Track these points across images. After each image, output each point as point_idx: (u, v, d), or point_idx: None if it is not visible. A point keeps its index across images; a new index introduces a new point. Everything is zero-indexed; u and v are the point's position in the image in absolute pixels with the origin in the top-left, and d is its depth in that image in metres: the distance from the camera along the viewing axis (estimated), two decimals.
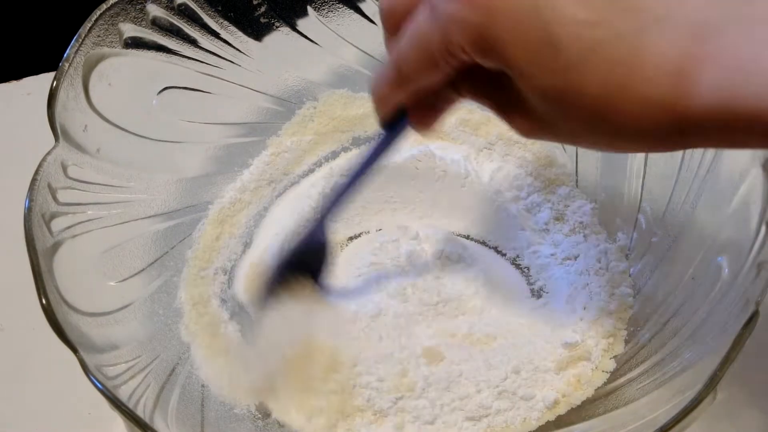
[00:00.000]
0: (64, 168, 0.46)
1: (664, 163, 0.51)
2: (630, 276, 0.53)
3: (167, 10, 0.53)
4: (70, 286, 0.42)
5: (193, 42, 0.55)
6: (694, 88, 0.29)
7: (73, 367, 0.38)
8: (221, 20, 0.56)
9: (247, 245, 0.57)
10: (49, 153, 0.45)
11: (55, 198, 0.44)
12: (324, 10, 0.58)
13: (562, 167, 0.59)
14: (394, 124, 0.41)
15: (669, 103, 0.29)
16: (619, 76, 0.30)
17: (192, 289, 0.53)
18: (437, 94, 0.39)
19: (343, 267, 0.57)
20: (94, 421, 0.50)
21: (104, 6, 0.50)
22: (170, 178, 0.55)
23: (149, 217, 0.53)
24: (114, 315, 0.46)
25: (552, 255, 0.55)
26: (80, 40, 0.48)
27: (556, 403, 0.47)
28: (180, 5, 0.53)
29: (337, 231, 0.59)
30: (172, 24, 0.53)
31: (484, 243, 0.58)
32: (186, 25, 0.54)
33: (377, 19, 0.59)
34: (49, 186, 0.44)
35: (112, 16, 0.50)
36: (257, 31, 0.58)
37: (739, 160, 0.44)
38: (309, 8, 0.58)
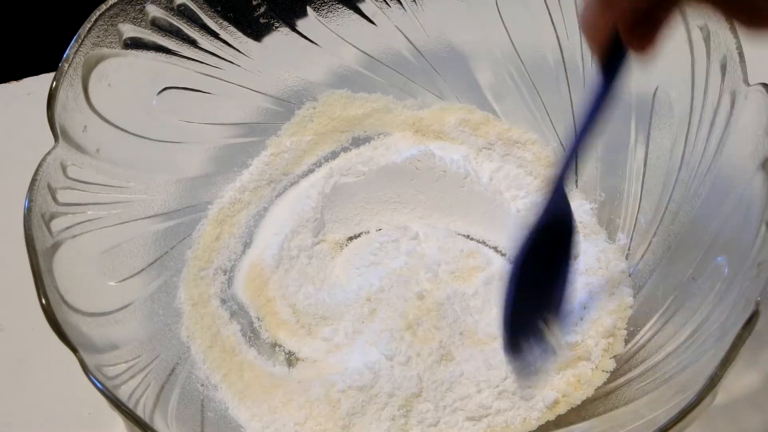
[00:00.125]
0: (64, 168, 0.46)
1: (664, 163, 0.51)
2: (630, 276, 0.53)
3: (167, 11, 0.53)
4: (70, 286, 0.42)
5: (192, 42, 0.55)
6: None
7: (73, 367, 0.38)
8: (221, 21, 0.56)
9: (246, 245, 0.58)
10: (48, 153, 0.45)
11: (54, 198, 0.44)
12: (323, 10, 0.58)
13: None
14: (612, 55, 0.37)
15: None
16: None
17: (192, 289, 0.53)
18: (650, 8, 0.35)
19: (343, 267, 0.57)
20: (94, 421, 0.50)
21: (104, 6, 0.49)
22: (170, 178, 0.55)
23: (149, 217, 0.53)
24: (114, 315, 0.46)
25: None
26: (80, 41, 0.48)
27: (556, 403, 0.47)
28: (179, 6, 0.53)
29: (337, 231, 0.59)
30: (171, 24, 0.53)
31: (484, 243, 0.58)
32: (185, 25, 0.54)
33: (377, 19, 0.59)
34: (49, 186, 0.44)
35: (111, 17, 0.50)
36: (257, 32, 0.58)
37: (739, 160, 0.44)
38: (308, 8, 0.58)
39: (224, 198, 0.58)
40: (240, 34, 0.57)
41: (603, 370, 0.49)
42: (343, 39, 0.59)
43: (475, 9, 0.58)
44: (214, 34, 0.56)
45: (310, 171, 0.61)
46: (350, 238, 0.59)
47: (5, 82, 0.68)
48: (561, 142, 0.59)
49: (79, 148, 0.47)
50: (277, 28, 0.58)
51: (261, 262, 0.55)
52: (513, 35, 0.58)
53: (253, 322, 0.54)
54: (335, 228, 0.59)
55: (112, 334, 0.45)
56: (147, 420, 0.38)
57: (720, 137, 0.45)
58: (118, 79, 0.51)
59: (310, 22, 0.58)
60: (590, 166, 0.58)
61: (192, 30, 0.55)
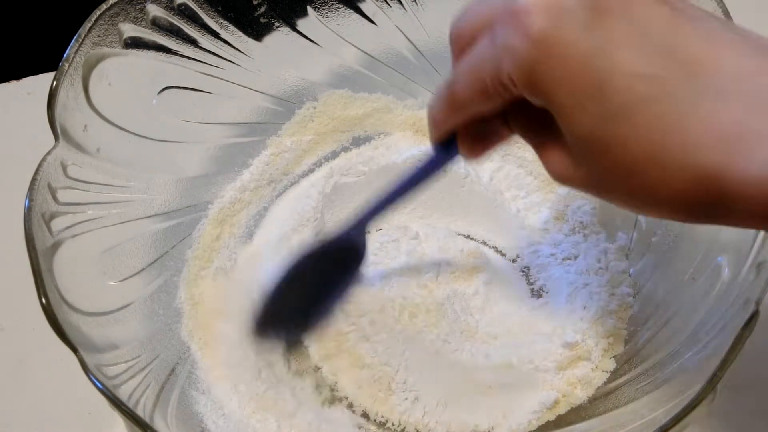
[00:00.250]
0: (64, 168, 0.46)
1: None
2: (630, 276, 0.53)
3: (167, 10, 0.53)
4: (70, 286, 0.42)
5: (193, 42, 0.55)
6: (743, 162, 0.27)
7: (73, 367, 0.38)
8: (221, 20, 0.56)
9: (247, 245, 0.57)
10: (49, 153, 0.45)
11: (55, 198, 0.44)
12: (324, 10, 0.58)
13: None
14: (444, 147, 0.40)
15: (712, 172, 0.28)
16: (664, 136, 0.28)
17: (192, 289, 0.53)
18: (489, 126, 0.38)
19: None
20: (94, 421, 0.50)
21: (104, 6, 0.49)
22: (170, 178, 0.55)
23: (149, 216, 0.53)
24: (114, 315, 0.46)
25: (552, 255, 0.56)
26: (80, 40, 0.48)
27: (556, 403, 0.47)
28: (180, 5, 0.53)
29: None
30: (172, 24, 0.53)
31: (484, 243, 0.58)
32: (186, 25, 0.54)
33: (377, 19, 0.59)
34: (49, 186, 0.44)
35: (112, 16, 0.50)
36: (257, 31, 0.58)
37: None
38: (309, 8, 0.58)
39: (224, 198, 0.58)
40: (240, 33, 0.57)
41: (603, 370, 0.49)
42: (343, 39, 0.59)
43: None
44: (215, 34, 0.56)
45: (311, 171, 0.61)
46: None
47: (5, 82, 0.68)
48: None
49: (79, 147, 0.47)
50: (277, 27, 0.58)
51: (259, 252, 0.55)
52: None
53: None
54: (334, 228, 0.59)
55: (112, 334, 0.45)
56: (147, 420, 0.38)
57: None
58: (119, 78, 0.51)
59: (311, 21, 0.58)
60: None
61: (192, 29, 0.55)
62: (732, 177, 0.28)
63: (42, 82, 0.58)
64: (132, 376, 0.43)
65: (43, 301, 0.39)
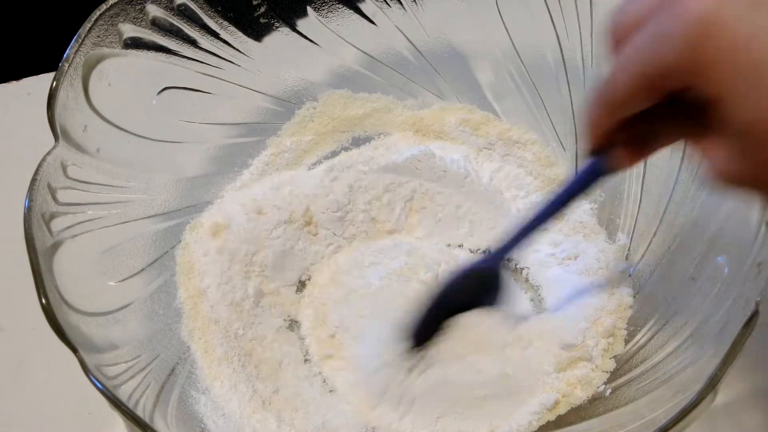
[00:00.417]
0: (64, 168, 0.46)
1: (664, 163, 0.51)
2: (630, 276, 0.53)
3: (167, 11, 0.53)
4: (70, 286, 0.42)
5: (192, 42, 0.55)
6: None
7: (73, 367, 0.38)
8: (221, 20, 0.56)
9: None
10: (49, 153, 0.45)
11: (55, 198, 0.44)
12: (324, 10, 0.58)
13: (562, 167, 0.59)
14: (598, 157, 0.38)
15: None
16: None
17: (192, 288, 0.53)
18: (646, 130, 0.36)
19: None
20: (94, 421, 0.50)
21: (104, 6, 0.49)
22: (170, 178, 0.55)
23: (149, 217, 0.53)
24: (114, 315, 0.46)
25: (552, 255, 0.55)
26: (80, 41, 0.48)
27: (556, 403, 0.47)
28: (180, 5, 0.53)
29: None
30: (171, 24, 0.53)
31: (483, 242, 0.58)
32: (186, 25, 0.54)
33: (377, 19, 0.59)
34: (49, 186, 0.44)
35: (111, 17, 0.50)
36: (257, 32, 0.58)
37: None
38: (309, 8, 0.58)
39: (224, 198, 0.58)
40: (240, 34, 0.57)
41: (603, 370, 0.49)
42: (343, 39, 0.59)
43: (475, 9, 0.58)
44: (215, 34, 0.56)
45: (310, 170, 0.61)
46: None
47: (5, 82, 0.68)
48: (561, 142, 0.59)
49: (79, 147, 0.47)
50: (277, 28, 0.58)
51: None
52: (513, 35, 0.58)
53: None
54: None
55: (112, 334, 0.45)
56: (147, 420, 0.38)
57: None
58: (119, 78, 0.51)
59: (311, 22, 0.58)
60: None
61: (192, 30, 0.55)
62: None
63: (42, 82, 0.58)
64: (132, 376, 0.43)
65: (43, 301, 0.39)
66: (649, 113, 0.34)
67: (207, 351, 0.50)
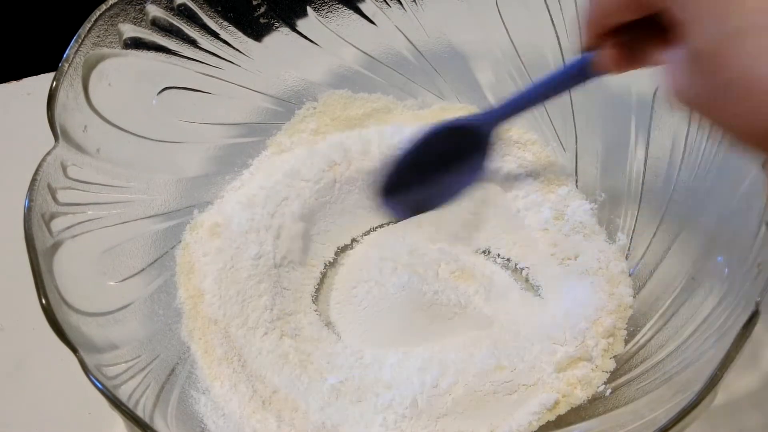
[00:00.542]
0: (64, 168, 0.46)
1: (664, 163, 0.51)
2: (630, 276, 0.53)
3: (167, 11, 0.53)
4: (70, 286, 0.42)
5: (192, 42, 0.55)
6: None
7: (73, 367, 0.38)
8: (221, 21, 0.56)
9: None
10: (49, 153, 0.45)
11: (55, 198, 0.44)
12: (324, 10, 0.58)
13: (562, 167, 0.59)
14: (592, 50, 0.42)
15: None
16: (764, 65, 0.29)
17: (192, 288, 0.53)
18: (636, 44, 0.39)
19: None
20: (94, 421, 0.50)
21: (104, 6, 0.50)
22: (170, 178, 0.55)
23: (149, 217, 0.53)
24: (114, 315, 0.46)
25: (552, 255, 0.55)
26: (80, 41, 0.48)
27: (556, 403, 0.47)
28: (179, 6, 0.53)
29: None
30: (171, 24, 0.53)
31: (484, 242, 0.58)
32: (186, 25, 0.54)
33: (377, 19, 0.59)
34: (49, 186, 0.44)
35: (111, 17, 0.50)
36: (257, 32, 0.58)
37: (739, 160, 0.44)
38: (309, 8, 0.58)
39: (224, 198, 0.58)
40: (240, 34, 0.57)
41: (603, 370, 0.49)
42: (343, 39, 0.59)
43: (475, 9, 0.58)
44: (215, 34, 0.56)
45: None
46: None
47: (5, 82, 0.68)
48: (561, 142, 0.59)
49: (79, 148, 0.47)
50: (277, 28, 0.58)
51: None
52: (513, 35, 0.58)
53: None
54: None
55: (112, 334, 0.45)
56: (147, 420, 0.38)
57: (720, 137, 0.45)
58: (118, 78, 0.51)
59: (311, 22, 0.58)
60: (590, 166, 0.58)
61: (192, 30, 0.55)
62: None
63: (42, 82, 0.58)
64: (132, 377, 0.43)
65: (43, 301, 0.39)
66: (635, 26, 0.37)
67: (207, 351, 0.50)
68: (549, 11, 0.56)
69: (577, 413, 0.47)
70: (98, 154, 0.49)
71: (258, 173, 0.58)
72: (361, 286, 0.54)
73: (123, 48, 0.51)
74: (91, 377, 0.38)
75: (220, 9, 0.55)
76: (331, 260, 0.57)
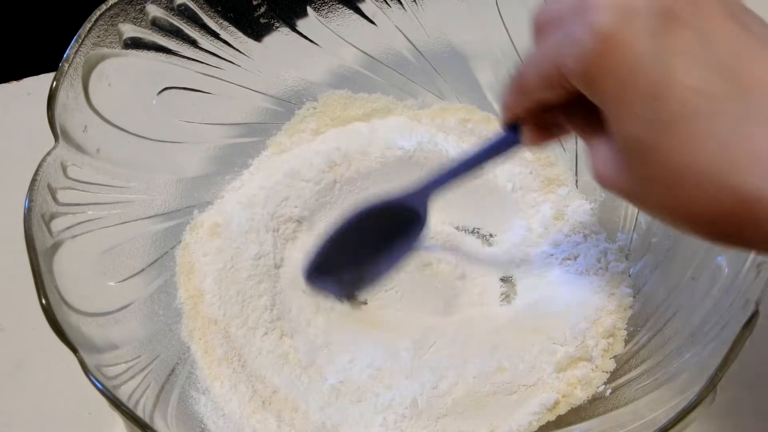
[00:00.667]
0: (64, 168, 0.46)
1: None
2: (630, 276, 0.53)
3: (167, 11, 0.53)
4: (70, 286, 0.42)
5: (192, 42, 0.55)
6: None
7: (73, 367, 0.38)
8: (221, 21, 0.56)
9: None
10: (48, 153, 0.45)
11: (55, 198, 0.44)
12: (324, 10, 0.58)
13: (562, 167, 0.59)
14: (511, 131, 0.42)
15: (748, 195, 0.28)
16: (708, 154, 0.29)
17: (192, 289, 0.53)
18: (553, 118, 0.39)
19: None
20: (94, 421, 0.50)
21: (104, 6, 0.50)
22: (170, 178, 0.55)
23: (149, 217, 0.53)
24: (114, 315, 0.46)
25: (552, 255, 0.55)
26: (80, 41, 0.48)
27: (556, 403, 0.47)
28: (180, 6, 0.53)
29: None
30: (171, 24, 0.53)
31: (484, 242, 0.58)
32: (186, 25, 0.54)
33: (377, 19, 0.59)
34: (49, 186, 0.44)
35: (111, 17, 0.50)
36: (257, 32, 0.58)
37: None
38: (309, 8, 0.58)
39: (224, 198, 0.58)
40: (240, 34, 0.57)
41: (603, 371, 0.49)
42: (343, 39, 0.59)
43: (475, 9, 0.58)
44: (215, 34, 0.56)
45: None
46: None
47: (5, 82, 0.68)
48: (560, 143, 0.59)
49: (79, 148, 0.47)
50: (277, 28, 0.58)
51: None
52: (513, 35, 0.58)
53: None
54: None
55: (112, 334, 0.45)
56: (147, 420, 0.38)
57: None
58: (119, 79, 0.51)
59: (311, 22, 0.58)
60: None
61: (192, 30, 0.55)
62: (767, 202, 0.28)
63: (42, 82, 0.58)
64: (132, 377, 0.43)
65: (43, 301, 0.39)
66: (554, 104, 0.36)
67: (207, 351, 0.50)
68: None
69: (577, 413, 0.47)
70: (98, 154, 0.49)
71: (258, 173, 0.58)
72: None
73: (123, 48, 0.51)
74: (91, 377, 0.38)
75: (220, 9, 0.55)
76: None
